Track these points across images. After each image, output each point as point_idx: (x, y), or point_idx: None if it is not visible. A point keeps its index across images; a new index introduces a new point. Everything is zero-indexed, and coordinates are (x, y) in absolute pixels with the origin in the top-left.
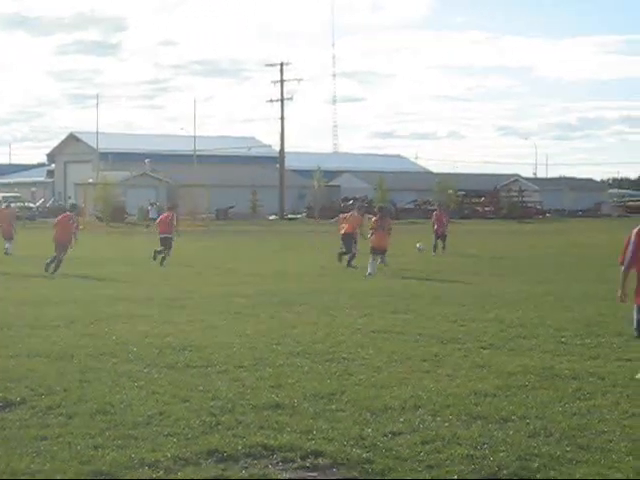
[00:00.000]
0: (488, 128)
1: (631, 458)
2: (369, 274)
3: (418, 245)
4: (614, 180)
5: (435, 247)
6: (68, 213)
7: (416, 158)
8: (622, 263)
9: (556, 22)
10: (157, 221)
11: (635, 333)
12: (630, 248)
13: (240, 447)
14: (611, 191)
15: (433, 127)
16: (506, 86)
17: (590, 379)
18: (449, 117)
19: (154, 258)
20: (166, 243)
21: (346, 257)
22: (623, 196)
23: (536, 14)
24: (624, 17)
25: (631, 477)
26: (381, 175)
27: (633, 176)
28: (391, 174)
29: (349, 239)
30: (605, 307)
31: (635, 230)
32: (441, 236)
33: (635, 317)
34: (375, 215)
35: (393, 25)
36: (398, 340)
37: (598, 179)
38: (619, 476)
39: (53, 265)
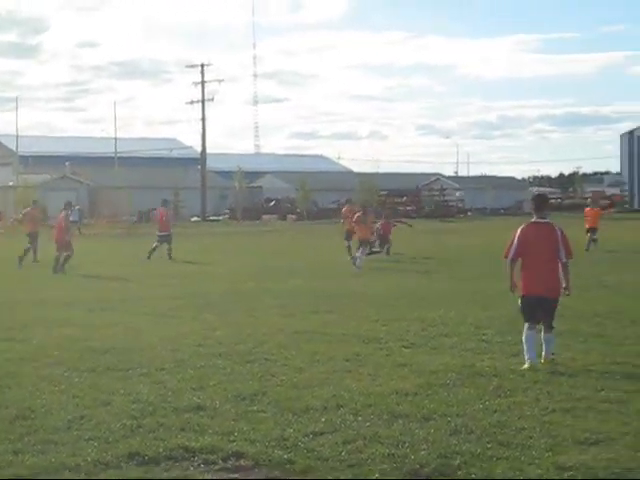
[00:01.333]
0: (409, 127)
1: (551, 454)
2: (357, 264)
3: None
4: (535, 178)
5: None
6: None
7: (338, 158)
8: (506, 256)
9: (476, 21)
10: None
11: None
12: (514, 244)
13: (161, 450)
14: (532, 189)
15: (355, 127)
16: (427, 85)
17: (511, 376)
18: (370, 117)
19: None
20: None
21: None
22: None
23: (457, 13)
24: (543, 16)
25: (551, 472)
26: (303, 176)
27: (553, 174)
28: (313, 174)
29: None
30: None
31: (520, 228)
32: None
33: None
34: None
35: (314, 25)
36: (320, 340)
37: (519, 177)
38: (539, 472)
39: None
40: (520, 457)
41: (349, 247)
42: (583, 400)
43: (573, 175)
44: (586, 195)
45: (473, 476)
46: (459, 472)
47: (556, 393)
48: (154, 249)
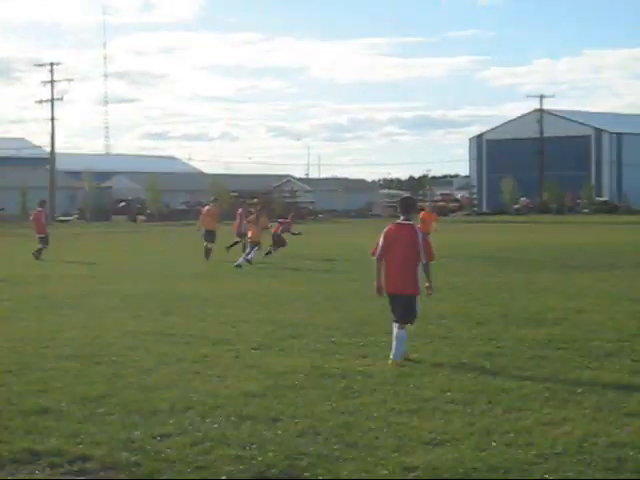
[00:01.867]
0: (260, 129)
1: (397, 455)
2: (242, 263)
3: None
4: (385, 181)
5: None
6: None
7: (189, 159)
8: (373, 254)
9: (328, 24)
10: None
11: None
12: (380, 243)
13: (6, 453)
14: (382, 191)
15: (206, 128)
16: (278, 87)
17: (358, 377)
18: (221, 118)
19: None
20: None
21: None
22: (393, 196)
23: (308, 16)
24: (394, 20)
25: (397, 473)
26: (153, 176)
27: (404, 177)
28: (163, 175)
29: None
30: (373, 305)
31: (385, 229)
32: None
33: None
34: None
35: (165, 25)
36: (169, 342)
37: (369, 180)
38: (385, 473)
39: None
40: (367, 458)
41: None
42: (429, 401)
43: (423, 178)
44: (435, 198)
45: (320, 477)
46: (306, 473)
47: (403, 394)
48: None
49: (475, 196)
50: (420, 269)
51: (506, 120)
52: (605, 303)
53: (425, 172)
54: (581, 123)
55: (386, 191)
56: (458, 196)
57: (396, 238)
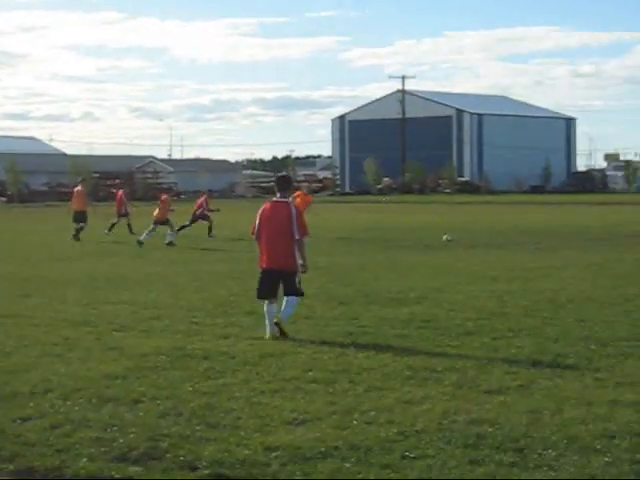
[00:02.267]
0: (122, 110)
1: (259, 435)
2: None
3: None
4: (248, 161)
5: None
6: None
7: (50, 140)
8: (252, 234)
9: (190, 4)
10: None
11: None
12: (256, 222)
13: None
14: (245, 172)
15: (67, 108)
16: (140, 67)
17: (221, 358)
18: (83, 98)
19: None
20: None
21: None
22: (256, 177)
23: None
24: (257, 0)
25: (259, 453)
26: (13, 157)
27: (267, 157)
28: (23, 156)
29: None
30: (236, 286)
31: (261, 207)
32: (125, 215)
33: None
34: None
35: (25, 4)
36: (28, 324)
37: (232, 160)
38: (247, 453)
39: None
40: (229, 438)
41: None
42: (291, 381)
43: (286, 158)
44: (299, 178)
45: (181, 458)
46: (168, 454)
47: (265, 374)
48: None
49: (338, 177)
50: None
51: (369, 101)
52: (465, 282)
53: (288, 153)
54: (442, 104)
55: (249, 172)
56: (321, 177)
57: (271, 215)
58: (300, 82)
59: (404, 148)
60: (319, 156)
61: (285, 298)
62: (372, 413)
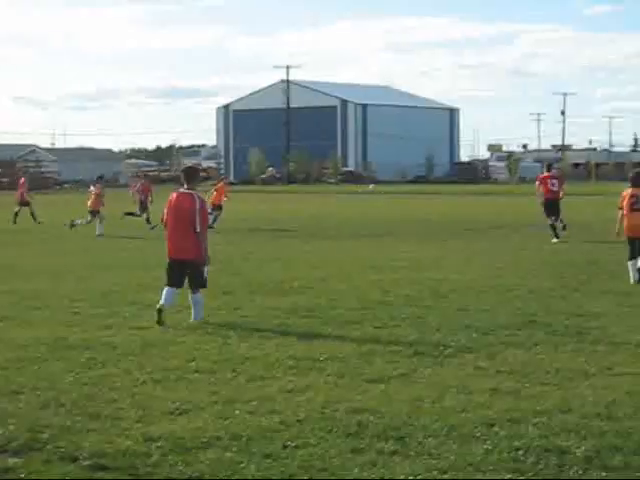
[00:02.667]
0: (4, 98)
1: (140, 425)
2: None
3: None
4: (132, 151)
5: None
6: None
7: None
8: (162, 221)
9: None
10: None
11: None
12: (165, 212)
13: None
14: (128, 161)
15: None
16: (23, 55)
17: (102, 348)
18: None
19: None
20: None
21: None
22: (140, 166)
23: None
24: None
25: (140, 443)
26: None
27: (150, 147)
28: None
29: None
30: (120, 276)
31: (169, 198)
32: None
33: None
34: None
35: None
36: None
37: (116, 149)
38: (128, 443)
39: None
40: (110, 429)
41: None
42: (174, 371)
43: (170, 148)
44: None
45: (62, 449)
46: (48, 446)
47: (147, 364)
48: None
49: (222, 166)
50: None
51: (254, 90)
52: (349, 272)
53: (172, 142)
54: (327, 94)
55: (133, 161)
56: (205, 166)
57: (176, 206)
58: (185, 71)
59: (288, 138)
60: (203, 145)
61: (190, 299)
62: (254, 403)
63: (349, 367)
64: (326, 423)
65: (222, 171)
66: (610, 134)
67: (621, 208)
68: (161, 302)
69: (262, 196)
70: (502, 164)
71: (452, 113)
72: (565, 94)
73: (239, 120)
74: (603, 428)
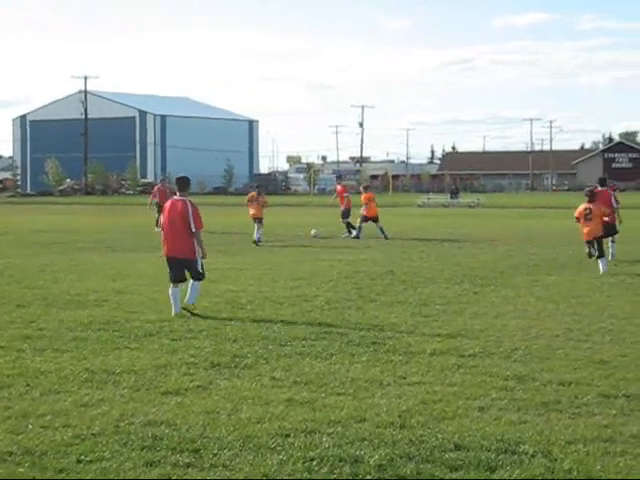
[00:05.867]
0: None
1: None
2: None
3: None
4: None
5: None
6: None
7: None
8: (157, 225)
9: None
10: None
11: None
12: (163, 217)
13: None
14: None
15: None
16: None
17: None
18: None
19: None
20: None
21: None
22: None
23: None
24: None
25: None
26: None
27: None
28: None
29: None
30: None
31: (166, 204)
32: None
33: None
34: None
35: None
36: None
37: None
38: None
39: None
40: None
41: None
42: None
43: None
44: None
45: None
46: None
47: None
48: None
49: (19, 177)
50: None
51: (51, 100)
52: (146, 284)
53: None
54: (126, 105)
55: None
56: (1, 178)
57: (172, 211)
58: None
59: (86, 149)
60: (0, 156)
61: (190, 282)
62: (48, 417)
63: (145, 380)
64: (121, 436)
65: (18, 182)
66: (407, 146)
67: (578, 219)
68: (174, 312)
69: (58, 208)
70: (301, 175)
71: (251, 124)
72: (363, 106)
73: (36, 130)
74: (396, 437)
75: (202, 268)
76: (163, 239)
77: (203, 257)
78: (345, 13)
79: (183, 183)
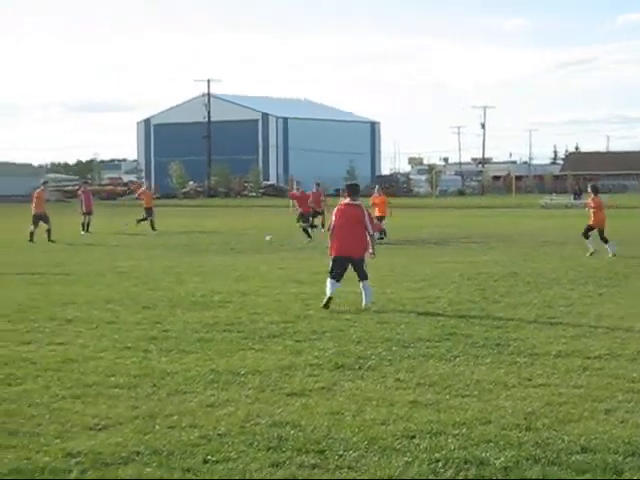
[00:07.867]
0: None
1: (59, 441)
2: None
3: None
4: (52, 165)
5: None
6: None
7: None
8: (328, 229)
9: None
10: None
11: None
12: (332, 219)
13: None
14: (50, 175)
15: None
16: None
17: (21, 364)
18: None
19: None
20: None
21: None
22: (60, 181)
23: None
24: None
25: (59, 459)
26: None
27: (72, 161)
28: None
29: None
30: (37, 292)
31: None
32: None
33: None
34: None
35: None
36: None
37: (36, 164)
38: (47, 459)
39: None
40: (28, 445)
41: None
42: (93, 386)
43: (91, 162)
44: (104, 182)
45: None
46: None
47: (67, 380)
48: None
49: (143, 180)
50: None
51: (175, 104)
52: (270, 285)
53: (93, 156)
54: (248, 107)
55: (53, 175)
56: (126, 180)
57: (346, 215)
58: (103, 84)
59: (210, 152)
60: (124, 159)
61: (360, 285)
62: (175, 417)
63: (270, 381)
64: (247, 437)
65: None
66: (530, 147)
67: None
68: (329, 295)
69: (183, 210)
70: (423, 177)
71: (373, 126)
72: (485, 107)
73: (160, 134)
74: (522, 439)
75: (365, 267)
76: (337, 239)
77: (374, 255)
78: (455, 14)
79: (356, 189)
